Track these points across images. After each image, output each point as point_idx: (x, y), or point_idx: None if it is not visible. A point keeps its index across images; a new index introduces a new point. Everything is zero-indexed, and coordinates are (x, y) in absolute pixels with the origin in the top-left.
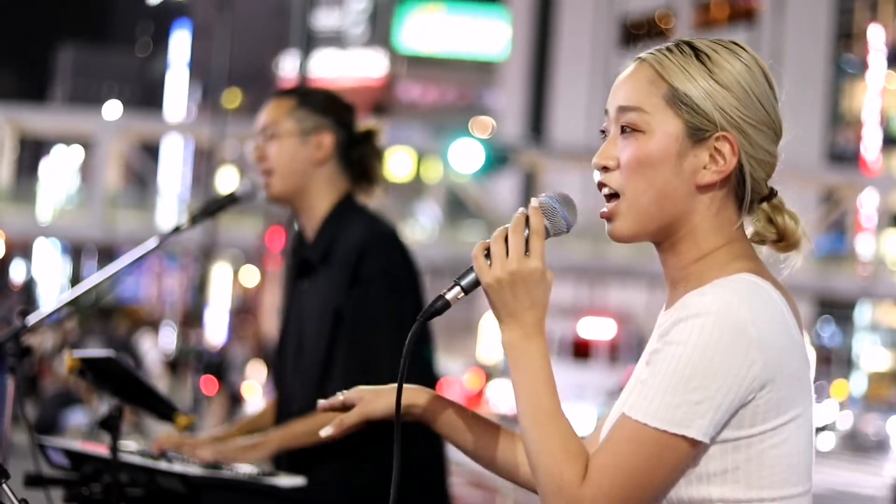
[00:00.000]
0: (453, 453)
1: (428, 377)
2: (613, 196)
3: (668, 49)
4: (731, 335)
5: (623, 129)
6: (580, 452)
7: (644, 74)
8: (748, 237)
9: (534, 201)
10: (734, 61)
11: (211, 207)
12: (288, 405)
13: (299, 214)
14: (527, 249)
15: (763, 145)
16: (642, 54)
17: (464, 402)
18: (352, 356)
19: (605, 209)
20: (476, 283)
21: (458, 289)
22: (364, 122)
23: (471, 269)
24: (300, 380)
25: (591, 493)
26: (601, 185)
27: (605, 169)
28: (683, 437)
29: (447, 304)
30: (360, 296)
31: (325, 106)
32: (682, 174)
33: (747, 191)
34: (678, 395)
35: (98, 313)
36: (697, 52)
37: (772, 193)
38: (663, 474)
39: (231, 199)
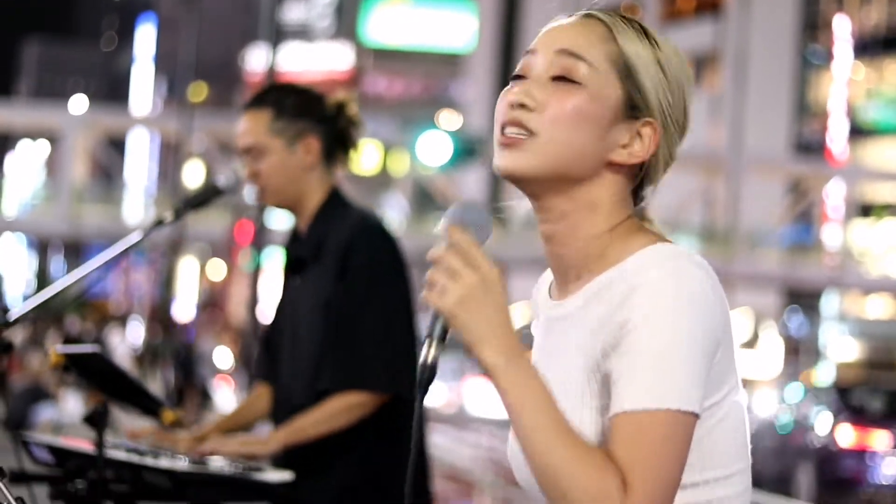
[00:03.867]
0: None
1: (406, 330)
2: (522, 135)
3: (622, 17)
4: (694, 300)
5: (558, 77)
6: (607, 461)
7: (595, 29)
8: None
9: (442, 223)
10: (675, 57)
11: (195, 201)
12: (284, 399)
13: (295, 215)
14: (465, 266)
15: (671, 146)
16: (592, 10)
17: None
18: (339, 347)
19: (508, 135)
20: (445, 328)
21: (431, 342)
22: (333, 99)
23: (435, 318)
24: (296, 374)
25: (639, 499)
26: (512, 123)
27: (522, 106)
28: (691, 412)
29: (434, 368)
30: (346, 287)
31: (301, 108)
32: (601, 143)
33: (647, 182)
34: (670, 374)
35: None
36: (647, 34)
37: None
38: (685, 456)
39: (215, 192)
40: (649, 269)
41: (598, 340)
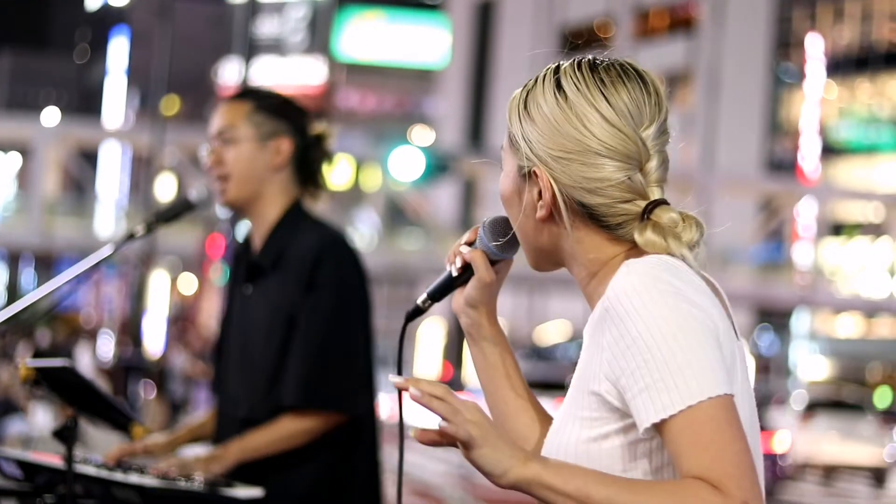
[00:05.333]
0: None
1: (365, 352)
2: None
3: (534, 81)
4: (668, 296)
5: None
6: (687, 479)
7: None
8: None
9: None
10: (548, 94)
11: (166, 214)
12: (232, 410)
13: (251, 220)
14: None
15: (584, 174)
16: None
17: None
18: (304, 361)
19: None
20: (446, 288)
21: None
22: (315, 126)
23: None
24: (246, 385)
25: (739, 494)
26: None
27: None
28: (724, 394)
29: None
30: (314, 302)
31: (283, 110)
32: (525, 211)
33: (598, 214)
34: (688, 368)
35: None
36: (531, 90)
37: (647, 211)
38: (743, 433)
39: (188, 206)
40: (618, 290)
41: (587, 365)
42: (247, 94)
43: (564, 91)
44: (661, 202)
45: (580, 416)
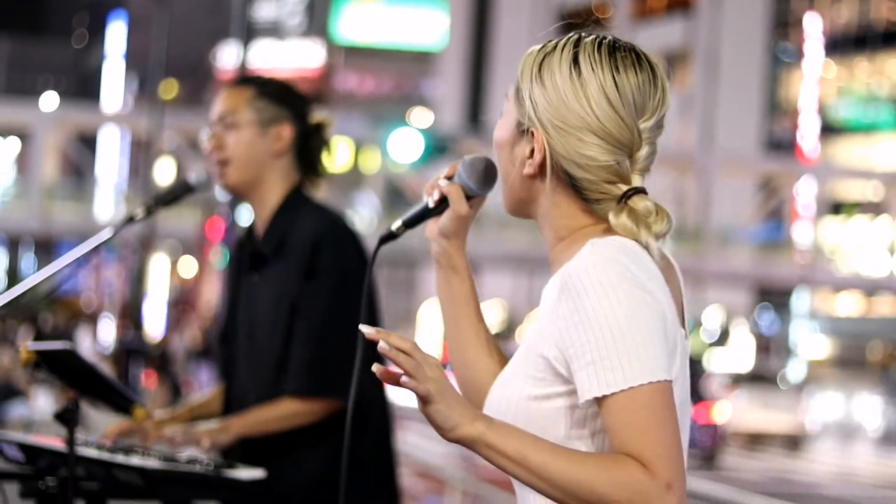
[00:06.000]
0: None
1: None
2: None
3: (554, 45)
4: (624, 280)
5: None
6: (618, 455)
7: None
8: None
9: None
10: (564, 65)
11: (167, 197)
12: (240, 397)
13: (252, 205)
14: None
15: (577, 150)
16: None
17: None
18: (305, 347)
19: None
20: (420, 217)
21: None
22: (316, 114)
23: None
24: (253, 372)
25: (666, 474)
26: None
27: None
28: (665, 380)
29: (394, 236)
30: (314, 288)
31: (285, 97)
32: (513, 162)
33: (581, 188)
34: (634, 350)
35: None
36: (549, 54)
37: (626, 196)
38: (676, 420)
39: (187, 189)
40: (578, 267)
41: (542, 329)
42: (249, 80)
43: (580, 66)
44: (640, 190)
45: (527, 374)
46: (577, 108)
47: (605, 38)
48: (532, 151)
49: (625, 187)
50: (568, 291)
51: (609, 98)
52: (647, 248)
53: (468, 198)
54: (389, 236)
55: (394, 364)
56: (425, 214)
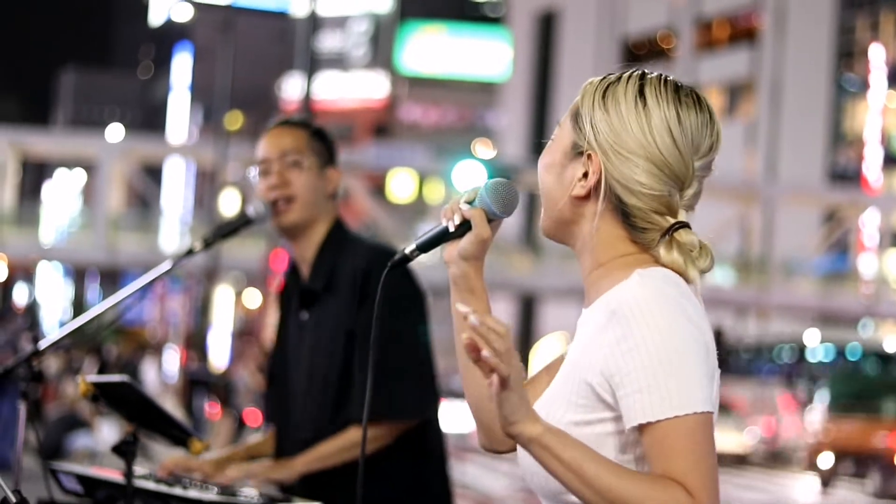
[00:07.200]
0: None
1: (427, 359)
2: None
3: (617, 77)
4: (674, 311)
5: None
6: (664, 477)
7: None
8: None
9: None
10: (630, 94)
11: (224, 230)
12: (294, 434)
13: (298, 244)
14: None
15: (634, 176)
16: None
17: None
18: (364, 365)
19: None
20: (437, 241)
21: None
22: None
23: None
24: (311, 407)
25: (705, 500)
26: None
27: None
28: (709, 412)
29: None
30: (369, 314)
31: (329, 141)
32: (562, 183)
33: (630, 214)
34: (684, 380)
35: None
36: (613, 84)
37: (672, 229)
38: (715, 451)
39: (245, 222)
40: (628, 296)
41: (583, 356)
42: (297, 122)
43: (645, 98)
44: (686, 224)
45: (569, 400)
46: (640, 136)
47: (667, 76)
48: (585, 174)
49: (672, 220)
50: (617, 319)
51: (672, 130)
52: (692, 283)
53: (489, 221)
54: (403, 260)
55: (484, 345)
56: (443, 239)
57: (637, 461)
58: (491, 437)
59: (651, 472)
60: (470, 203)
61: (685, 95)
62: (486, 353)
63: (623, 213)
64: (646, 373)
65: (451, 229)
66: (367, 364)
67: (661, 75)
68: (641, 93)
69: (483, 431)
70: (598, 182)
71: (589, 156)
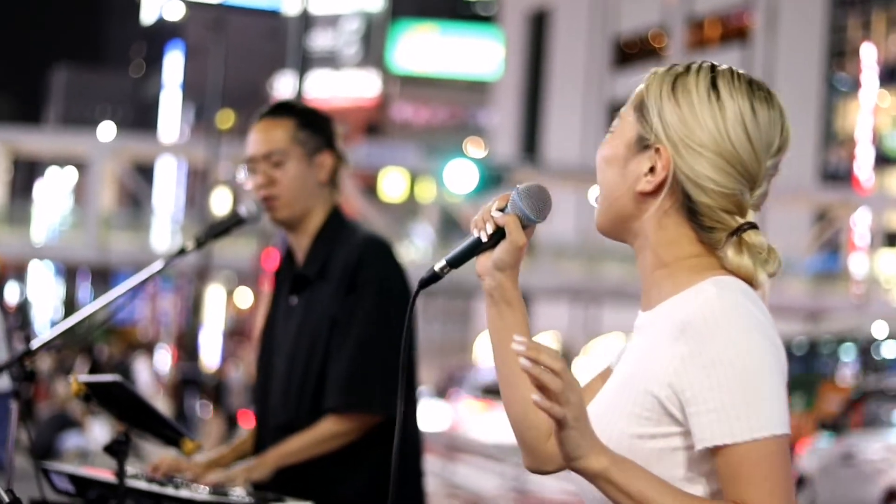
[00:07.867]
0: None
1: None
2: None
3: (685, 68)
4: (756, 328)
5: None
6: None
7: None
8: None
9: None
10: (702, 86)
11: (217, 229)
12: (272, 417)
13: (294, 233)
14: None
15: (705, 172)
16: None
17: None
18: (344, 363)
19: None
20: (470, 254)
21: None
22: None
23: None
24: (288, 390)
25: None
26: None
27: None
28: (786, 434)
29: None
30: (354, 302)
31: (321, 124)
32: (625, 177)
33: (697, 212)
34: (765, 401)
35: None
36: (681, 75)
37: (741, 229)
38: (791, 475)
39: (237, 221)
40: (705, 310)
41: (647, 365)
42: (285, 109)
43: (719, 90)
44: (755, 225)
45: (629, 411)
46: (713, 130)
47: (740, 71)
48: (652, 169)
49: (740, 220)
50: (691, 333)
51: (746, 125)
52: (758, 285)
53: (523, 227)
54: (433, 277)
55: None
56: (475, 250)
57: (703, 479)
58: (536, 457)
59: (724, 499)
60: (501, 210)
61: (758, 90)
62: (535, 397)
63: (689, 211)
64: (721, 391)
65: (484, 239)
66: (344, 353)
67: (731, 68)
68: (714, 85)
69: (527, 452)
70: (666, 177)
71: (657, 149)
